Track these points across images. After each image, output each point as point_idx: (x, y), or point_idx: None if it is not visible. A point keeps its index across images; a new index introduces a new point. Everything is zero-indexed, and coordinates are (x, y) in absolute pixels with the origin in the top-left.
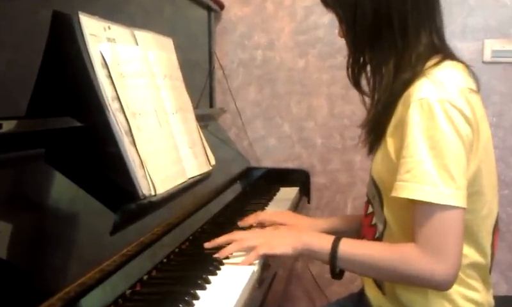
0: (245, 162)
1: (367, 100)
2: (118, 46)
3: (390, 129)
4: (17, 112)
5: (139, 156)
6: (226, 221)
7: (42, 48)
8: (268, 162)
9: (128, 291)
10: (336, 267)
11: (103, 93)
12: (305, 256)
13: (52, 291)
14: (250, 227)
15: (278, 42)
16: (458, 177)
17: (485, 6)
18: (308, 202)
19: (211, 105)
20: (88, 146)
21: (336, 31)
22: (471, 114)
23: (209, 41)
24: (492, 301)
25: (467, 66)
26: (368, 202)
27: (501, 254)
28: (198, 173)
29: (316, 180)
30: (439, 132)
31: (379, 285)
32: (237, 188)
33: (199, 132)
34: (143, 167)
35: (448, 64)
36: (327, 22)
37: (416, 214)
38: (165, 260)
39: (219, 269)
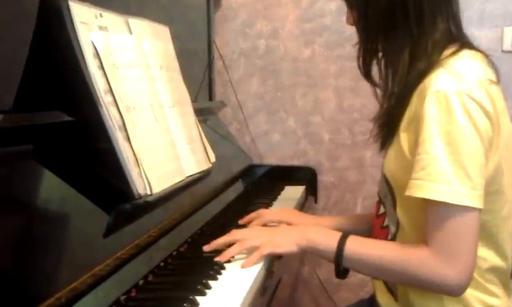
0: (247, 159)
1: (379, 92)
2: (111, 35)
3: (404, 123)
4: (3, 106)
5: (134, 153)
6: (227, 222)
7: (29, 38)
8: (272, 159)
9: (122, 298)
10: (341, 265)
11: (95, 85)
12: (310, 253)
13: (42, 298)
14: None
15: (282, 30)
16: (475, 176)
17: None
18: (315, 202)
19: (210, 98)
20: (78, 142)
21: (345, 18)
22: (491, 107)
23: (208, 30)
24: None
25: (486, 56)
26: (380, 202)
27: None
28: (197, 171)
29: (323, 178)
30: (456, 126)
31: (391, 290)
32: (238, 187)
33: (198, 127)
34: (138, 165)
35: (466, 53)
36: (334, 8)
37: (429, 214)
38: (162, 264)
39: (220, 273)
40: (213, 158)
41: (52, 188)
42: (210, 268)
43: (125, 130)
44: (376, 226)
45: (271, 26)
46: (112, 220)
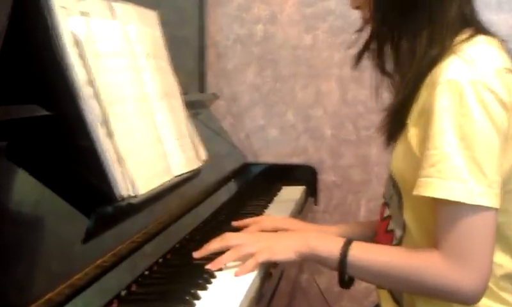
0: (241, 157)
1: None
2: (93, 20)
3: (413, 117)
4: None
5: (117, 150)
6: (219, 226)
7: (3, 24)
8: (268, 157)
9: None
10: (345, 274)
11: (74, 76)
12: (311, 261)
13: None
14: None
15: (280, 15)
16: (491, 173)
17: None
18: (315, 203)
19: (202, 90)
20: (56, 138)
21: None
22: (508, 98)
23: (200, 14)
24: None
25: (503, 42)
26: (385, 204)
27: None
28: (186, 170)
29: (325, 178)
30: (470, 119)
31: (397, 300)
32: (231, 187)
33: (187, 122)
34: (121, 164)
35: (481, 39)
36: None
37: (440, 215)
38: (147, 273)
39: (210, 283)
40: (204, 156)
41: (26, 189)
42: (199, 276)
43: (108, 125)
44: (380, 231)
45: (269, 10)
46: (93, 225)
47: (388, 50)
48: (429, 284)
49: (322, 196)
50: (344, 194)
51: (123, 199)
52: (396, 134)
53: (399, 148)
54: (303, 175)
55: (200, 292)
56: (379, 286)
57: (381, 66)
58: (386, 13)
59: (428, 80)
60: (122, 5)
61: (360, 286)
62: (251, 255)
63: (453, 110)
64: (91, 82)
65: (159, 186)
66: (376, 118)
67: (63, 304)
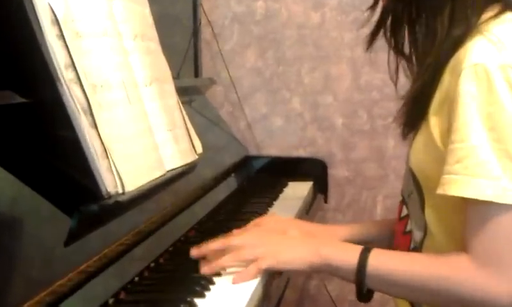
0: (242, 150)
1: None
2: None
3: (435, 105)
4: None
5: (102, 142)
6: (218, 227)
7: None
8: (272, 149)
9: None
10: (364, 286)
11: (53, 58)
12: (324, 272)
13: None
14: None
15: None
16: None
17: None
18: (325, 201)
19: (197, 75)
20: (34, 129)
21: None
22: None
23: None
24: None
25: None
26: (403, 202)
27: None
28: (180, 164)
29: (335, 173)
30: (500, 107)
31: None
32: (231, 183)
33: (181, 110)
34: (107, 157)
35: (510, 17)
36: None
37: (469, 216)
38: (137, 279)
39: (208, 289)
40: (200, 149)
41: (1, 186)
42: (196, 283)
43: (91, 113)
44: (397, 232)
45: None
46: (76, 225)
47: (404, 30)
48: (459, 295)
49: (332, 192)
50: (357, 190)
51: (109, 196)
52: (415, 124)
53: (419, 139)
54: (311, 169)
55: (197, 300)
56: (402, 298)
57: (397, 48)
58: None
59: (451, 64)
60: None
61: (375, 294)
62: (253, 260)
63: (480, 98)
64: (72, 66)
65: (150, 182)
66: (393, 105)
67: None
